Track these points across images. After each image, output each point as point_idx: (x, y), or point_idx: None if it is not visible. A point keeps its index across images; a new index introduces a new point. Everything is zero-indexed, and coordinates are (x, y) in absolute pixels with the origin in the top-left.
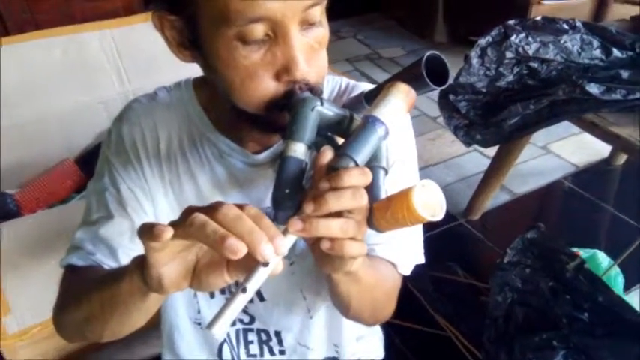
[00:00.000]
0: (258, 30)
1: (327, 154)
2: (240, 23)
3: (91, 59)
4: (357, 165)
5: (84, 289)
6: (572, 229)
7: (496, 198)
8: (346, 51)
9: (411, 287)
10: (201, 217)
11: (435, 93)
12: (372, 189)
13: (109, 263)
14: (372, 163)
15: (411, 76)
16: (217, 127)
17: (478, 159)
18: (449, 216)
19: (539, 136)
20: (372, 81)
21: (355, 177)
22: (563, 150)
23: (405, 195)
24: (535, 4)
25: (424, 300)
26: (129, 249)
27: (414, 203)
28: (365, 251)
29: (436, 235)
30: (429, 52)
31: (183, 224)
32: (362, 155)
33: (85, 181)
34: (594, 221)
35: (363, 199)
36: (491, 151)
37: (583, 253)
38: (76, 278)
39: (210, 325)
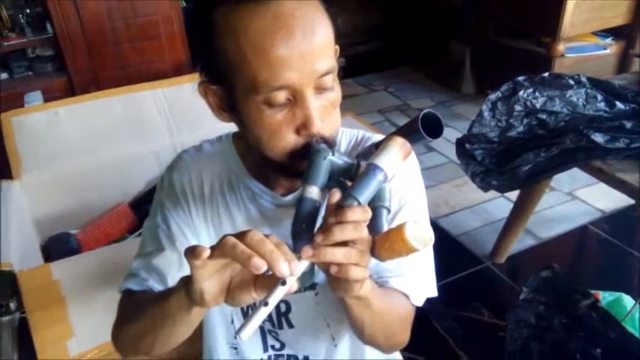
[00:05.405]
0: (281, 96)
1: (336, 195)
2: (266, 91)
3: (144, 115)
4: (359, 204)
5: (138, 309)
6: (597, 273)
7: (522, 242)
8: (378, 103)
9: (437, 325)
10: (232, 239)
11: None
12: (375, 224)
13: (159, 289)
14: (377, 203)
15: (409, 129)
16: (251, 173)
17: (504, 204)
18: (475, 259)
19: (565, 183)
20: None
21: (357, 213)
22: (589, 196)
23: (399, 229)
24: (558, 57)
25: (449, 338)
26: (176, 277)
27: (407, 235)
28: (367, 275)
29: (463, 277)
30: (425, 110)
31: (218, 245)
32: (364, 196)
33: (137, 223)
34: (620, 266)
35: (363, 231)
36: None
37: (608, 295)
38: (131, 300)
39: (239, 331)
